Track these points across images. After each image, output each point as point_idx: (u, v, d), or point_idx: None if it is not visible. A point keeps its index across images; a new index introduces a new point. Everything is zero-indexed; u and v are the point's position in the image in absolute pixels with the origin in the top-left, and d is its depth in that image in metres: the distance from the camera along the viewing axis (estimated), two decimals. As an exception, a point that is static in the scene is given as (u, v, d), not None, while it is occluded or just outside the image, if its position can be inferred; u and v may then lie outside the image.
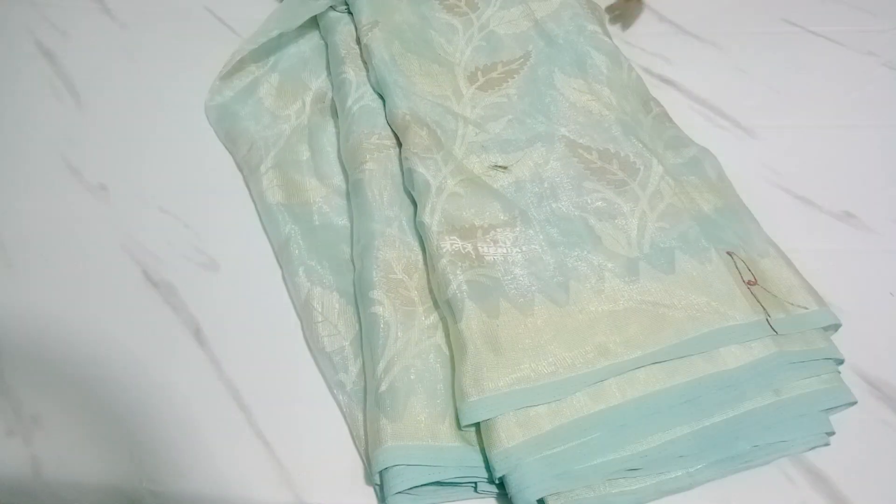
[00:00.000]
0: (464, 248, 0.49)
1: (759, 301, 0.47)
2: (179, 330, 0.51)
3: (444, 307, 0.47)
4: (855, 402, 0.45)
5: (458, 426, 0.43)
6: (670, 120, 0.59)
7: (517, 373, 0.43)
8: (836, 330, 0.47)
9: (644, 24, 0.71)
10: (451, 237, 0.49)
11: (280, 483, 0.44)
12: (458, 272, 0.47)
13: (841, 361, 0.46)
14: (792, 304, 0.47)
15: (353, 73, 0.62)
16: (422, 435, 0.42)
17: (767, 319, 0.46)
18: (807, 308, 0.47)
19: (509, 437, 0.41)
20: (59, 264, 0.55)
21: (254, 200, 0.58)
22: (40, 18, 0.74)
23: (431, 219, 0.50)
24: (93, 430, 0.47)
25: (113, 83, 0.68)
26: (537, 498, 0.40)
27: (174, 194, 0.59)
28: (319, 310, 0.50)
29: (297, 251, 0.53)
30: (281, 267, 0.54)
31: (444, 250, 0.48)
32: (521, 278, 0.48)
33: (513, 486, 0.40)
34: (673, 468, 0.42)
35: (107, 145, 0.63)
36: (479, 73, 0.63)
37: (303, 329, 0.51)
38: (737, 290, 0.47)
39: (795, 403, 0.44)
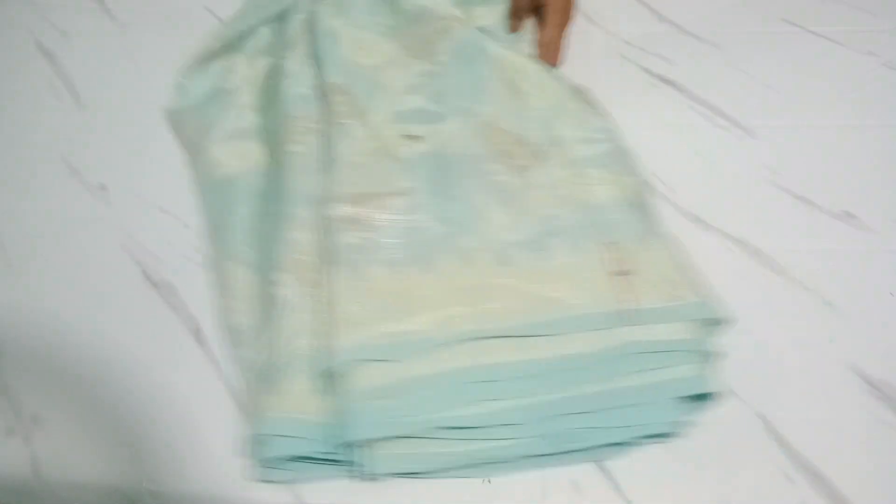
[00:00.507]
0: (353, 214, 0.50)
1: (625, 291, 0.47)
2: (179, 330, 0.51)
3: (325, 271, 0.48)
4: (719, 393, 0.45)
5: (328, 397, 0.44)
6: (594, 109, 0.59)
7: (376, 330, 0.45)
8: (727, 325, 0.47)
9: (644, 24, 0.71)
10: (343, 204, 0.51)
11: (280, 483, 0.44)
12: (340, 235, 0.49)
13: (709, 353, 0.46)
14: (666, 296, 0.47)
15: (293, 59, 0.61)
16: (298, 408, 0.44)
17: (628, 309, 0.46)
18: (682, 300, 0.47)
19: (353, 382, 0.43)
20: (59, 264, 0.55)
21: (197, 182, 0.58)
22: (40, 18, 0.74)
23: (330, 188, 0.52)
24: (93, 430, 0.47)
25: (113, 83, 0.68)
26: (365, 438, 0.42)
27: (174, 194, 0.59)
28: (230, 285, 0.51)
29: (228, 223, 0.54)
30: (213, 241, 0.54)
31: (334, 215, 0.50)
32: (398, 246, 0.49)
33: (347, 425, 0.42)
34: (502, 435, 0.44)
35: (107, 145, 0.63)
36: (413, 40, 0.62)
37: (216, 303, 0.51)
38: (603, 279, 0.48)
39: (641, 391, 0.44)
